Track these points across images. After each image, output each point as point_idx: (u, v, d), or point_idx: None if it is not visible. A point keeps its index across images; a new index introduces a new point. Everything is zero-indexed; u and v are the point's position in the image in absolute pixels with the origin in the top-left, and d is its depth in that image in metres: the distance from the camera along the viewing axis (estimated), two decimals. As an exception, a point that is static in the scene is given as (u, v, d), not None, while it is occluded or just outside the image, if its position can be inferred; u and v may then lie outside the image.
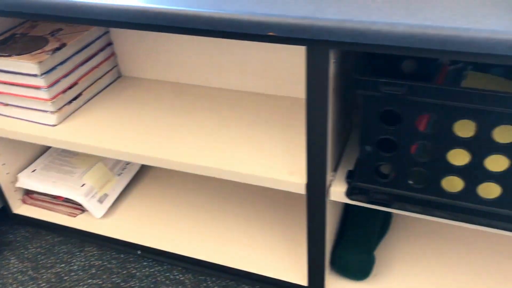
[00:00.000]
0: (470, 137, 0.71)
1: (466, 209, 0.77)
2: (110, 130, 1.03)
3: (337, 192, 0.85)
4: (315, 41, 0.69)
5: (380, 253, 1.06)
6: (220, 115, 1.06)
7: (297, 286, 1.02)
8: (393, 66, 0.90)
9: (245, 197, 1.23)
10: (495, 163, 0.72)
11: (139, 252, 1.13)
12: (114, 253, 1.14)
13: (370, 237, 1.02)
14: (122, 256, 1.14)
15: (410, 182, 0.79)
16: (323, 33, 0.67)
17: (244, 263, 1.06)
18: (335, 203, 0.97)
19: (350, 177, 0.84)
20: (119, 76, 1.23)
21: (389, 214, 1.11)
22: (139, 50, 1.18)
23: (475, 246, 1.05)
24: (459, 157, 0.73)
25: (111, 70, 1.20)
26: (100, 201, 1.19)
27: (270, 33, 0.70)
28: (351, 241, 1.01)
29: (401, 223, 1.12)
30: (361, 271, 0.99)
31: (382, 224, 1.07)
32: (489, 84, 0.89)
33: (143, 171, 1.33)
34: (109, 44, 1.18)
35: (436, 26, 0.62)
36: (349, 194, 0.83)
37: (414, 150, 0.75)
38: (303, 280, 1.02)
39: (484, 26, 0.61)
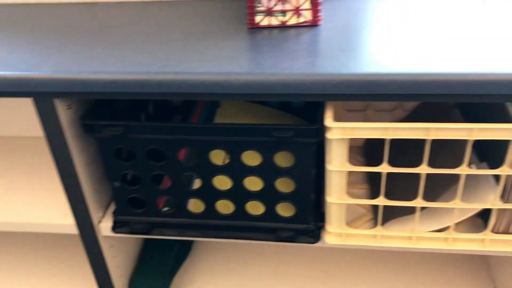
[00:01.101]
0: (227, 164, 0.79)
1: (239, 227, 0.86)
2: None
3: (107, 227, 0.91)
4: (37, 93, 0.75)
5: (180, 276, 1.12)
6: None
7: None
8: (157, 105, 0.99)
9: (28, 245, 1.24)
10: (253, 183, 0.81)
11: None
12: None
13: (166, 263, 1.09)
14: None
15: (165, 209, 0.87)
16: (41, 86, 0.73)
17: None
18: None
19: (115, 212, 0.90)
20: None
21: (187, 240, 1.18)
22: None
23: (265, 259, 1.16)
24: (222, 182, 0.82)
25: None
26: None
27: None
28: (146, 268, 1.07)
29: (202, 247, 1.20)
30: (158, 296, 1.06)
31: (179, 249, 1.14)
32: (243, 109, 1.00)
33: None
34: None
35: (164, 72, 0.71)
36: (113, 228, 0.89)
37: (171, 179, 0.83)
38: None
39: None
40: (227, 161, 0.79)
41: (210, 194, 0.83)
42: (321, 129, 0.73)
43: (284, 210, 0.83)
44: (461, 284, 1.06)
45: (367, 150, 1.04)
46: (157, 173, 0.82)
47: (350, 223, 0.87)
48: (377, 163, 0.75)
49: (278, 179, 0.79)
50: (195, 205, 0.87)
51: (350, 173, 0.83)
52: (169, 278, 1.09)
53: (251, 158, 0.78)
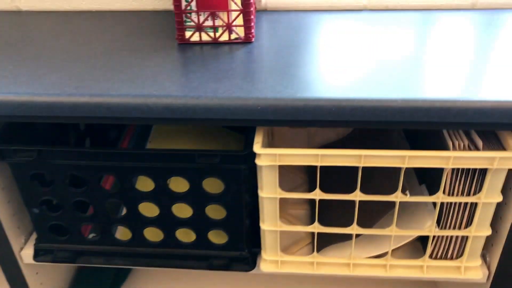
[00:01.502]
0: (152, 191, 0.73)
1: (169, 255, 0.80)
2: None
3: (30, 254, 0.84)
4: None
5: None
6: None
7: None
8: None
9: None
10: (181, 211, 0.75)
11: None
12: None
13: None
14: None
15: (91, 235, 0.81)
16: None
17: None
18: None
19: (36, 240, 0.84)
20: None
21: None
22: None
23: (204, 285, 1.10)
24: (149, 209, 0.76)
25: None
26: None
27: None
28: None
29: (140, 273, 1.12)
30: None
31: (115, 275, 1.07)
32: (179, 128, 0.95)
33: None
34: None
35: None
36: (35, 256, 0.83)
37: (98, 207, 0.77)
38: None
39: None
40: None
41: (136, 221, 0.77)
42: (251, 155, 0.68)
43: (217, 237, 0.78)
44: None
45: (311, 167, 1.00)
46: (79, 200, 0.76)
47: (288, 247, 0.83)
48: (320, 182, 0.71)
49: (208, 205, 0.74)
50: (123, 233, 0.81)
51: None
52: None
53: (179, 184, 0.73)
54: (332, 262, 0.78)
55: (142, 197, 0.74)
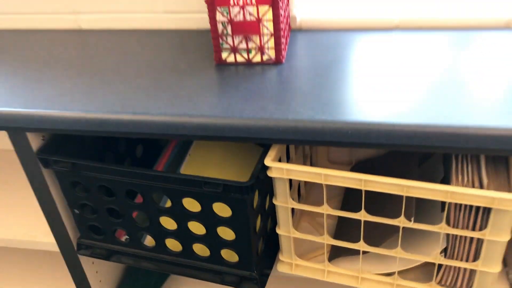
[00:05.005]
0: (169, 207, 0.80)
1: (187, 265, 0.86)
2: None
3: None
4: (10, 128, 0.79)
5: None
6: None
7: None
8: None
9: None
10: (196, 228, 0.81)
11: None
12: None
13: (148, 280, 1.14)
14: None
15: (125, 238, 0.90)
16: (13, 121, 0.77)
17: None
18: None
19: (79, 236, 0.94)
20: None
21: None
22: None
23: None
24: (168, 223, 0.83)
25: None
26: None
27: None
28: (129, 284, 1.12)
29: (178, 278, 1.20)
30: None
31: (157, 278, 1.16)
32: (217, 148, 0.99)
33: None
34: None
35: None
36: (77, 249, 0.93)
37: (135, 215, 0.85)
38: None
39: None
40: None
41: (159, 232, 0.84)
42: (254, 185, 0.71)
43: (229, 255, 0.83)
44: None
45: (345, 190, 1.00)
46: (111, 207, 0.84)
47: (305, 253, 0.88)
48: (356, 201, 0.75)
49: (219, 226, 0.78)
50: (150, 240, 0.88)
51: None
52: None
53: (195, 203, 0.78)
54: (341, 273, 0.82)
55: (161, 212, 0.81)
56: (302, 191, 0.95)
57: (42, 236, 0.97)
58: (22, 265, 1.29)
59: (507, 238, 0.66)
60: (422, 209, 0.80)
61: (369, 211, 0.72)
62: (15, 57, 0.92)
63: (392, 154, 0.96)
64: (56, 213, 0.89)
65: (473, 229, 0.68)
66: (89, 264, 1.00)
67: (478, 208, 0.66)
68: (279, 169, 0.72)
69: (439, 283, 0.76)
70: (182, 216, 0.79)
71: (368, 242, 0.76)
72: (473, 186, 0.65)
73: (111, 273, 1.11)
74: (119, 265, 1.15)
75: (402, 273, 0.79)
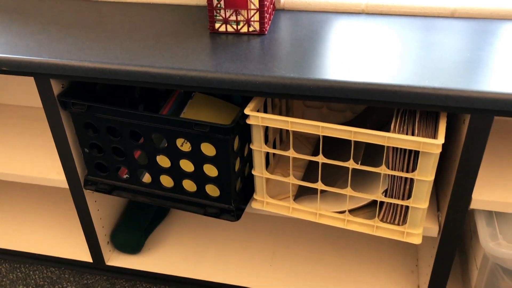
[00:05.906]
0: (166, 147, 0.97)
1: (177, 199, 1.03)
2: None
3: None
4: (37, 74, 0.95)
5: (156, 233, 1.33)
6: None
7: (85, 263, 1.28)
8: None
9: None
10: (186, 165, 0.98)
11: None
12: None
13: (143, 220, 1.30)
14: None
15: (126, 176, 1.07)
16: (40, 68, 0.93)
17: (42, 248, 1.32)
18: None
19: (86, 173, 1.11)
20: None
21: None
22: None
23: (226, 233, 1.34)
24: (163, 161, 1.00)
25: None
26: None
27: (4, 68, 0.97)
28: (126, 223, 1.29)
29: (176, 214, 1.40)
30: (132, 246, 1.27)
31: (156, 212, 1.34)
32: (210, 103, 1.17)
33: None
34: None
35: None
36: (84, 185, 1.10)
37: (137, 155, 1.02)
38: (88, 257, 1.28)
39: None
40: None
41: (155, 169, 1.01)
42: (235, 128, 0.89)
43: (212, 190, 1.00)
44: (389, 263, 1.20)
45: (317, 142, 1.18)
46: (116, 146, 1.01)
47: (275, 195, 1.04)
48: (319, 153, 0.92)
49: (205, 164, 0.95)
50: (147, 177, 1.05)
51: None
52: (145, 234, 1.30)
53: (186, 144, 0.95)
54: (303, 209, 0.99)
55: (158, 151, 0.98)
56: (278, 149, 1.13)
57: (55, 174, 1.14)
58: (34, 201, 1.47)
59: (431, 178, 0.84)
60: (372, 158, 0.97)
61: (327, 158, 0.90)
62: (42, 20, 1.09)
63: (358, 117, 1.14)
64: (69, 152, 1.06)
65: (407, 170, 0.86)
66: (92, 202, 1.16)
67: (410, 152, 0.84)
68: (256, 117, 0.90)
69: (382, 219, 0.94)
70: (175, 155, 0.96)
71: (325, 183, 0.93)
72: (406, 134, 0.83)
73: (110, 214, 1.28)
74: (118, 207, 1.32)
75: (353, 213, 0.97)
